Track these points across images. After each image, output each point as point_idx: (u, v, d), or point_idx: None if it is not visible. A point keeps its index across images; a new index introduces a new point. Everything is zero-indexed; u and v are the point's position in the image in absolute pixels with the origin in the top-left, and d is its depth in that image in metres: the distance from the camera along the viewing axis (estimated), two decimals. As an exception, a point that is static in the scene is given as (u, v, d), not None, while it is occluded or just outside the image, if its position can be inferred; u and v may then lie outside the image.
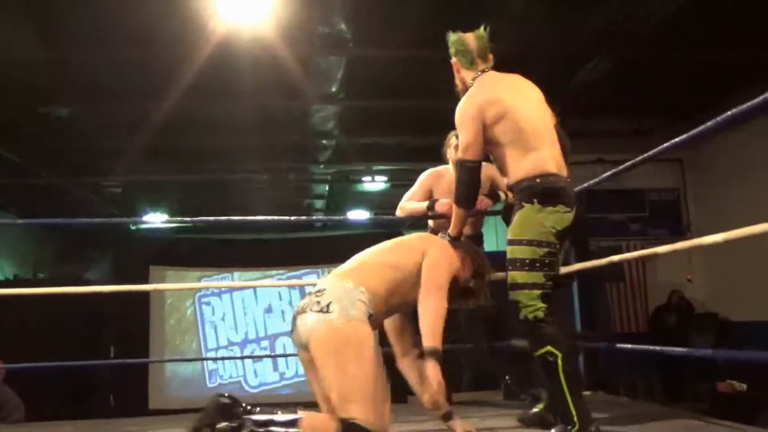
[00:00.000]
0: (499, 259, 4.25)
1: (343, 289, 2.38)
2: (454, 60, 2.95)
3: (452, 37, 2.97)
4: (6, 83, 6.03)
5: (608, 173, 3.67)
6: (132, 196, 10.47)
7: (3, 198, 9.59)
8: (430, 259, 2.61)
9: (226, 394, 2.20)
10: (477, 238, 4.18)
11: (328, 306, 2.31)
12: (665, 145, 3.08)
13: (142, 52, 5.76)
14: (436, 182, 3.92)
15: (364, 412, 2.17)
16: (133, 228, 10.96)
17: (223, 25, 5.24)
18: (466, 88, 2.93)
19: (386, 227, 8.36)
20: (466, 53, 2.92)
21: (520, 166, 2.78)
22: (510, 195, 3.95)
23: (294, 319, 2.41)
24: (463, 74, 2.95)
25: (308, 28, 5.55)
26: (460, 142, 2.91)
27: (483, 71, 2.94)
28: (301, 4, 5.24)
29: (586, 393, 4.15)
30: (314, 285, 2.50)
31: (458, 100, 2.94)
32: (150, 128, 7.03)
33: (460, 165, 2.90)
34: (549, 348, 2.67)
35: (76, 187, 9.47)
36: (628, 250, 7.71)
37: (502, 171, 2.90)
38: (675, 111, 7.77)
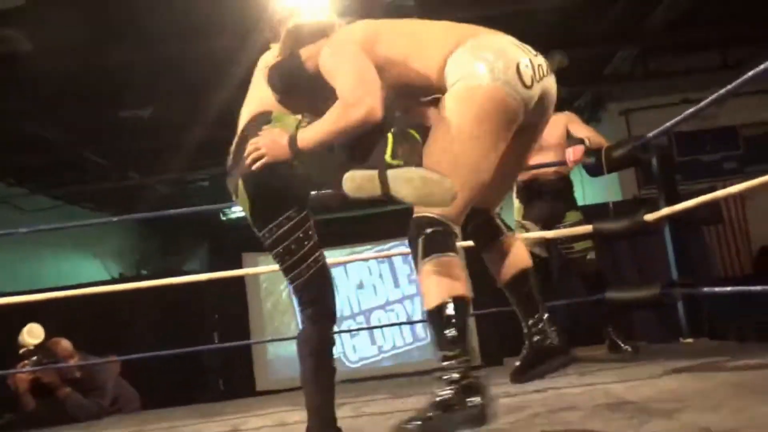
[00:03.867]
0: (587, 212, 4.18)
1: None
2: None
3: None
4: (84, 90, 6.31)
5: (691, 110, 3.49)
6: (219, 188, 10.76)
7: (97, 201, 10.09)
8: None
9: None
10: (566, 186, 4.11)
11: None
12: (750, 73, 2.91)
13: (214, 43, 5.87)
14: None
15: None
16: (224, 219, 11.29)
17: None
18: None
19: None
20: None
21: None
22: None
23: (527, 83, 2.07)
24: None
25: None
26: None
27: None
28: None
29: (689, 340, 4.02)
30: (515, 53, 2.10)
31: None
32: (225, 120, 7.18)
33: None
34: None
35: (165, 185, 9.82)
36: (725, 191, 7.37)
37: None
38: (763, 39, 7.32)
